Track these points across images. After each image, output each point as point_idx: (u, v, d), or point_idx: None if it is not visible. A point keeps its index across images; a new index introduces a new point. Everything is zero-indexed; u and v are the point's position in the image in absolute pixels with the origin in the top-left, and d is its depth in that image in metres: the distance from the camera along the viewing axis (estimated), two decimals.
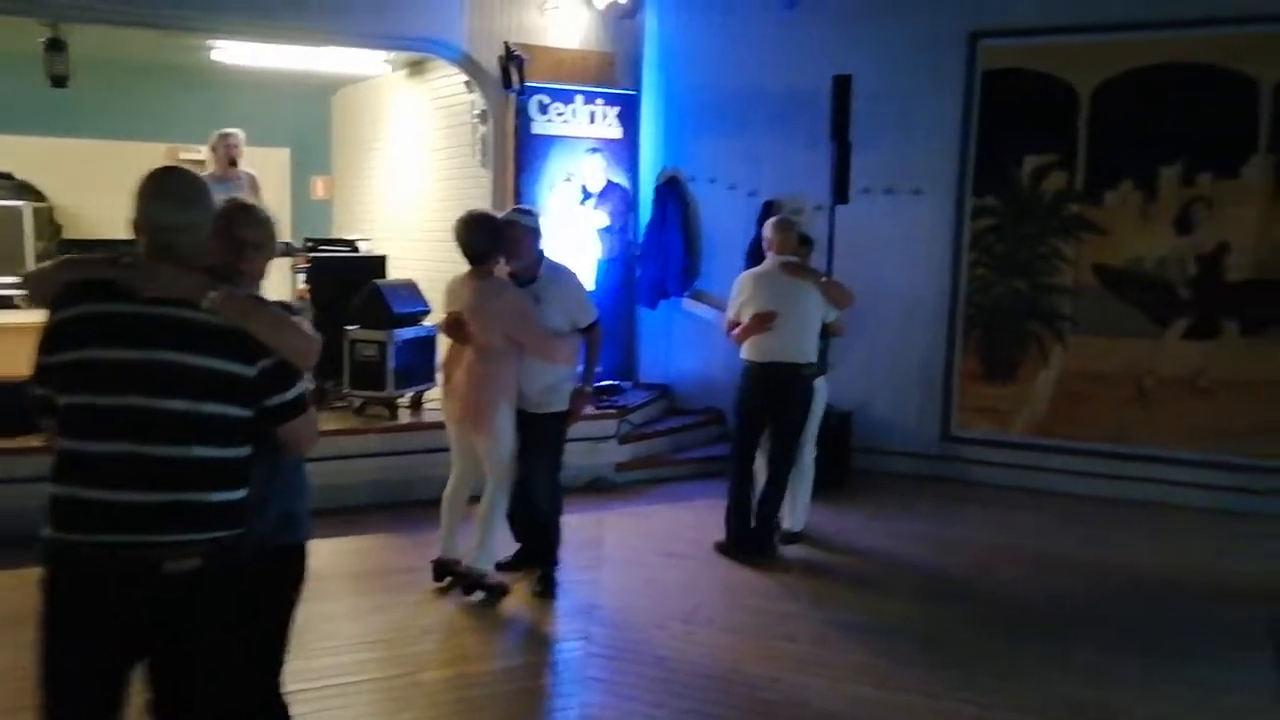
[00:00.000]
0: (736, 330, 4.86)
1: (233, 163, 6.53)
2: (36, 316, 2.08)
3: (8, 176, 9.19)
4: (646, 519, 5.59)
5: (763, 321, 4.71)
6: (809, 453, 5.13)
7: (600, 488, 6.16)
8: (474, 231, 4.13)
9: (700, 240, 7.24)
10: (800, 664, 3.71)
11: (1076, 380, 6.32)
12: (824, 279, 4.97)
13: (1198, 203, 6.01)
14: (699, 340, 7.10)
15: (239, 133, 6.63)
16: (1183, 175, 6.01)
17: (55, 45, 6.53)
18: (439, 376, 4.39)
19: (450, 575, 4.33)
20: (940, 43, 6.46)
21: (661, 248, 7.14)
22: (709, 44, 7.11)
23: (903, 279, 6.67)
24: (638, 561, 4.85)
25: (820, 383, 5.06)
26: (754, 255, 6.84)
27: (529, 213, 4.34)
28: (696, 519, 5.40)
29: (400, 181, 8.83)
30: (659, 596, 4.40)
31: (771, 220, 5.08)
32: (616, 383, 6.74)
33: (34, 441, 4.93)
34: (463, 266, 4.29)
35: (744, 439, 4.93)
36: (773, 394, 4.81)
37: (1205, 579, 4.80)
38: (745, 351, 4.85)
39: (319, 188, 10.59)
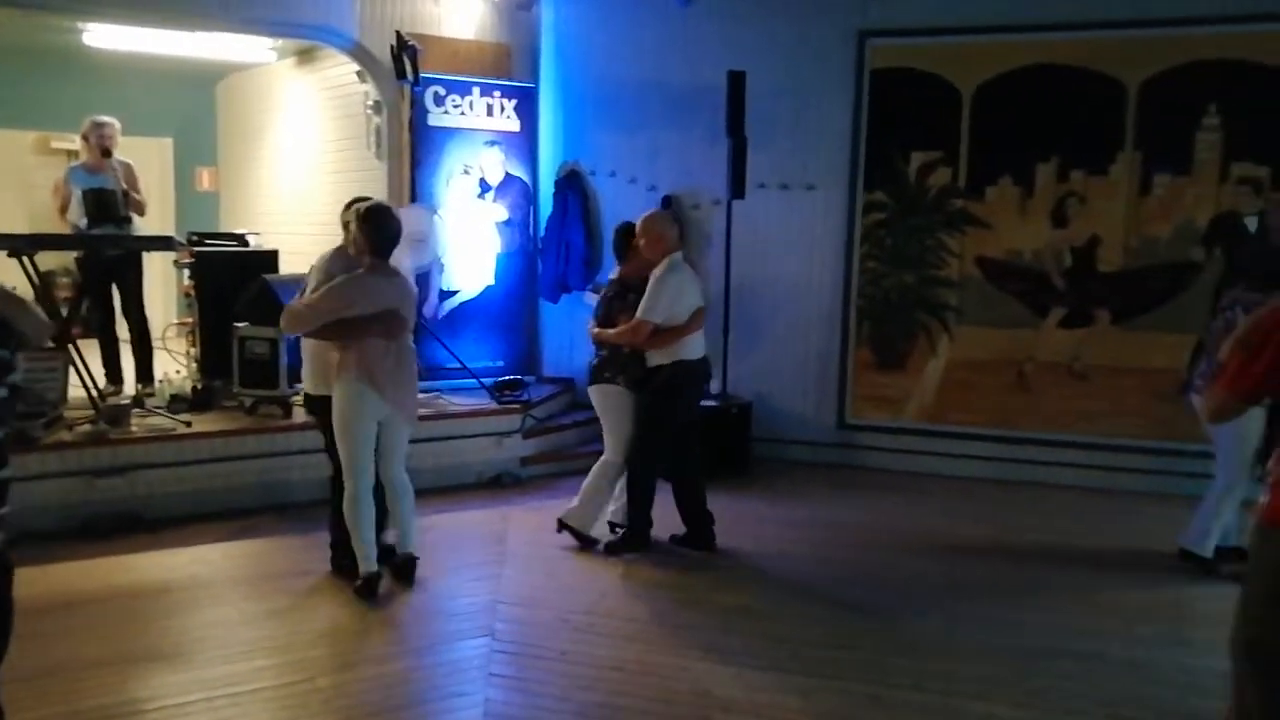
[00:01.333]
0: (666, 333, 4.62)
1: (106, 153, 6.17)
2: None
3: None
4: (551, 513, 5.54)
5: (701, 318, 4.74)
6: None
7: (504, 483, 6.12)
8: (394, 224, 4.16)
9: (601, 234, 7.25)
10: (703, 652, 3.77)
11: (962, 368, 6.61)
12: None
13: (1071, 198, 6.34)
14: None
15: (113, 121, 6.28)
16: (1057, 171, 6.34)
17: None
18: (348, 375, 4.11)
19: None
20: (831, 41, 6.64)
21: (562, 241, 7.12)
22: (606, 37, 7.12)
23: (799, 272, 6.84)
24: (541, 556, 4.84)
25: None
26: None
27: None
28: None
29: (291, 173, 8.55)
30: (563, 591, 4.41)
31: (662, 215, 4.90)
32: (519, 377, 6.71)
33: None
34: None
35: (673, 439, 4.78)
36: (702, 389, 5.00)
37: (1084, 554, 5.09)
38: (682, 351, 4.68)
39: (204, 179, 10.15)
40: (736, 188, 6.33)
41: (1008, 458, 6.48)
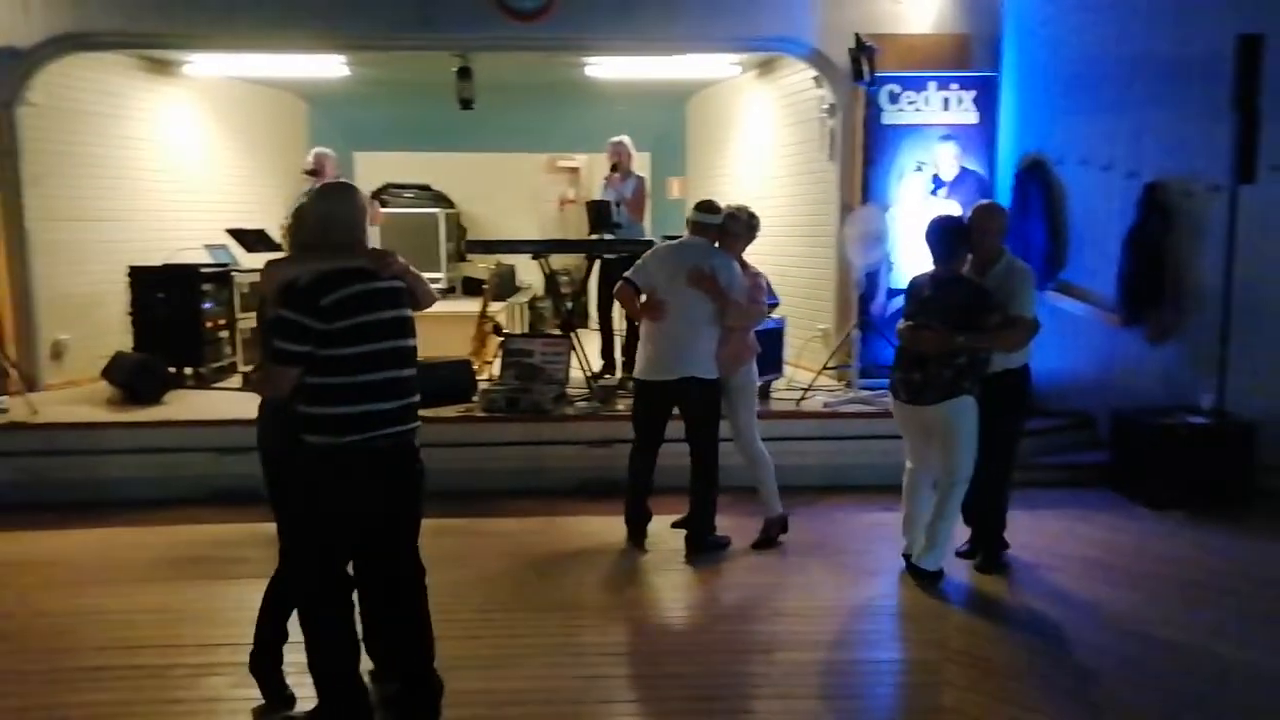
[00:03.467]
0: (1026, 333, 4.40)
1: (614, 167, 7.18)
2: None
3: (425, 188, 10.91)
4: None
5: None
6: None
7: None
8: None
9: (1067, 229, 6.70)
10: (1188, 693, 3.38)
11: None
12: None
13: None
14: (1066, 337, 6.56)
15: (620, 139, 7.25)
16: None
17: (464, 73, 7.61)
18: (750, 359, 4.94)
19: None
20: None
21: (1022, 237, 6.68)
22: (1081, 12, 6.54)
23: None
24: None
25: None
26: (1138, 242, 6.18)
27: None
28: (1059, 528, 5.06)
29: (749, 179, 9.14)
30: (1016, 604, 4.24)
31: (1001, 207, 4.77)
32: None
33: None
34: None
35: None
36: None
37: None
38: (1026, 355, 4.46)
39: (675, 188, 11.27)
40: (1244, 171, 5.43)
41: None
